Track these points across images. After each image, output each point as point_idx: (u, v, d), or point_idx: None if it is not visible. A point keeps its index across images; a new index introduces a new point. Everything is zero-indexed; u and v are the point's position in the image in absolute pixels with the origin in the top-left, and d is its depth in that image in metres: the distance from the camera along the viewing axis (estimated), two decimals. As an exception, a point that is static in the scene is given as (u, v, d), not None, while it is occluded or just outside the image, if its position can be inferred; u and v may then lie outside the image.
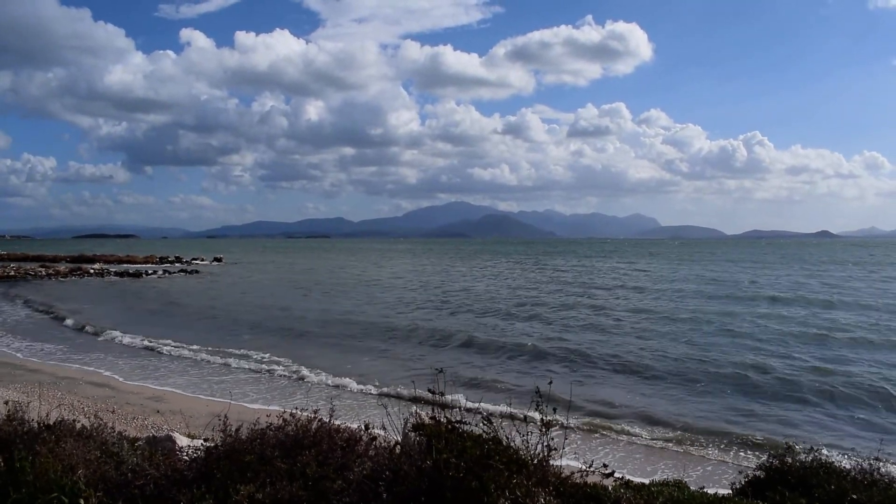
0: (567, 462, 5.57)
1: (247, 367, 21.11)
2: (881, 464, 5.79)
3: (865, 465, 5.76)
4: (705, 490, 5.62)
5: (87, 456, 5.15)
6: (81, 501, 4.49)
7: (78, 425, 6.03)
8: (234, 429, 5.35)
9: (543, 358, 22.51)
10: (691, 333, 27.23)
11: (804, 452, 6.07)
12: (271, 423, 5.42)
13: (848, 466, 5.88)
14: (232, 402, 12.80)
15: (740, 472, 6.65)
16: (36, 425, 5.60)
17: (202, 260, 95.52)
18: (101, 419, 6.51)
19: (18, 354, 23.14)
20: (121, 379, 19.15)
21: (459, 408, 5.01)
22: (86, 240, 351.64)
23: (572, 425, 12.80)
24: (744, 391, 17.76)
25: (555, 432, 4.89)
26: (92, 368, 20.62)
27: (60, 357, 22.79)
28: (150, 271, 71.15)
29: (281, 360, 21.83)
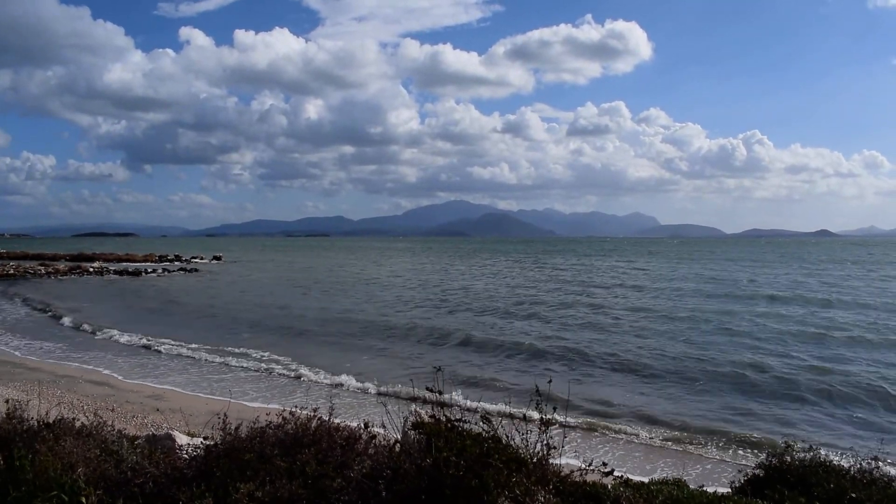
0: (567, 460, 5.58)
1: (246, 365, 21.12)
2: (880, 463, 5.80)
3: (864, 464, 5.77)
4: (705, 488, 5.62)
5: (86, 454, 5.15)
6: (82, 499, 4.49)
7: (77, 423, 6.03)
8: (233, 427, 5.35)
9: (542, 357, 22.53)
10: (690, 332, 27.25)
11: (803, 451, 6.07)
12: (271, 422, 5.42)
13: (847, 465, 5.89)
14: (231, 400, 12.81)
15: (739, 471, 6.66)
16: (35, 423, 5.60)
17: (201, 258, 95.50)
18: (101, 417, 6.50)
19: (17, 353, 23.13)
20: (120, 377, 19.15)
21: (459, 406, 5.01)
22: (85, 238, 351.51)
23: (571, 424, 12.80)
24: (742, 390, 17.78)
25: (554, 431, 4.90)
26: (91, 367, 20.61)
27: (59, 355, 22.78)
28: (149, 270, 71.13)
29: (280, 358, 21.84)
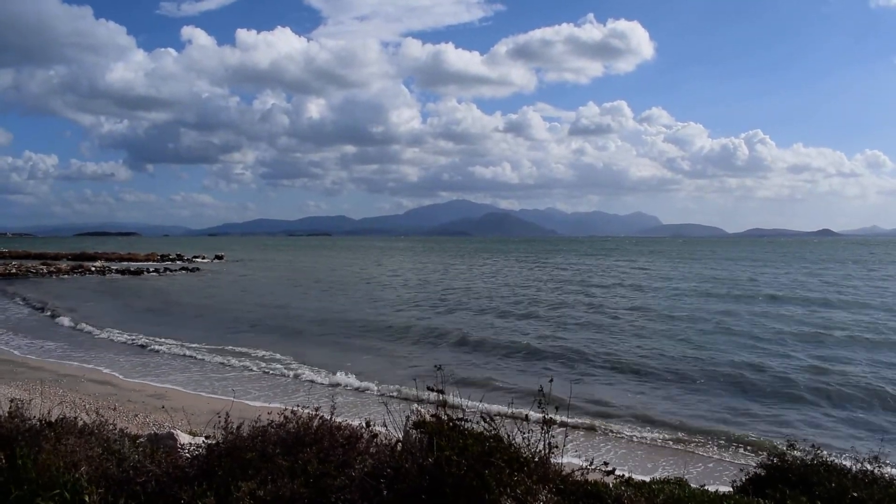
0: (568, 460, 5.59)
1: (248, 364, 21.13)
2: (881, 463, 5.80)
3: (866, 463, 5.76)
4: (706, 487, 5.62)
5: (88, 453, 5.16)
6: (84, 498, 4.50)
7: (80, 422, 6.04)
8: (235, 426, 5.36)
9: (541, 356, 22.52)
10: (689, 332, 27.23)
11: (805, 451, 6.07)
12: (272, 421, 5.43)
13: (848, 465, 5.88)
14: (233, 399, 12.81)
15: (741, 470, 6.66)
16: (38, 422, 5.60)
17: (203, 258, 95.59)
18: (103, 416, 6.52)
19: (16, 352, 23.17)
20: (122, 376, 19.17)
21: (461, 406, 5.02)
22: (87, 238, 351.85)
23: (572, 423, 12.81)
24: (742, 390, 17.78)
25: (555, 430, 4.90)
26: (92, 366, 20.64)
27: (60, 354, 22.81)
28: (151, 269, 71.18)
29: (282, 357, 21.87)
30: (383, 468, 4.52)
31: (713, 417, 15.22)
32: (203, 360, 21.92)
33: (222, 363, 21.37)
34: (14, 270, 63.60)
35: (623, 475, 5.38)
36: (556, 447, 4.80)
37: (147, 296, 45.19)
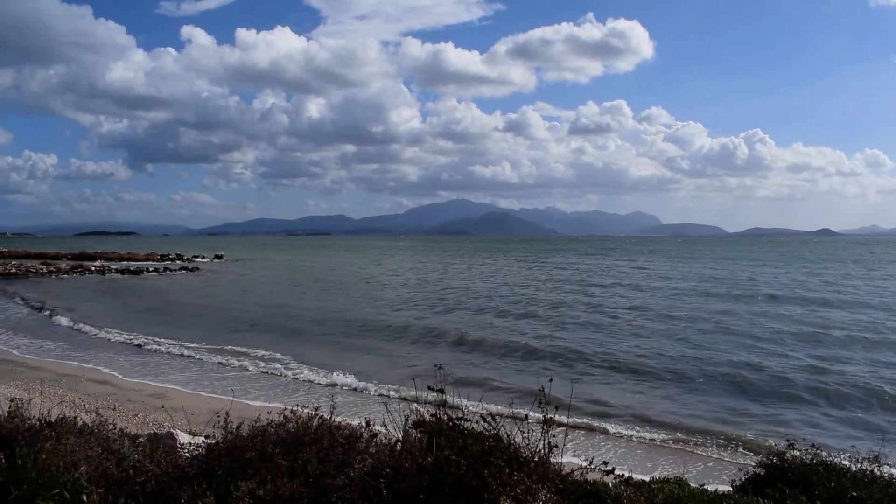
0: (568, 459, 5.59)
1: (247, 364, 21.12)
2: (880, 462, 5.80)
3: (865, 463, 5.76)
4: (705, 487, 5.62)
5: (88, 453, 5.16)
6: (83, 498, 4.50)
7: (79, 422, 6.04)
8: (235, 426, 5.36)
9: (540, 356, 22.51)
10: (688, 331, 27.22)
11: (804, 450, 6.07)
12: (272, 420, 5.43)
13: (847, 464, 5.88)
14: (233, 399, 12.81)
15: (740, 470, 6.66)
16: (37, 422, 5.60)
17: (203, 257, 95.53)
18: (103, 416, 6.52)
19: (15, 352, 23.15)
20: (121, 376, 19.17)
21: (460, 406, 5.02)
22: (87, 237, 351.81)
23: (572, 423, 12.81)
24: (741, 389, 17.78)
25: (556, 430, 4.90)
26: (92, 366, 20.63)
27: (60, 354, 22.81)
28: (150, 269, 71.16)
29: (281, 357, 21.87)
30: (383, 468, 4.52)
31: (712, 417, 15.22)
32: (202, 359, 21.91)
33: (222, 363, 21.36)
34: (14, 270, 63.58)
35: (622, 474, 5.38)
36: (556, 447, 4.80)
37: (147, 295, 45.18)
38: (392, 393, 16.85)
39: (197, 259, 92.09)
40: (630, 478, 5.57)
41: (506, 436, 4.63)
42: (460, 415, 4.74)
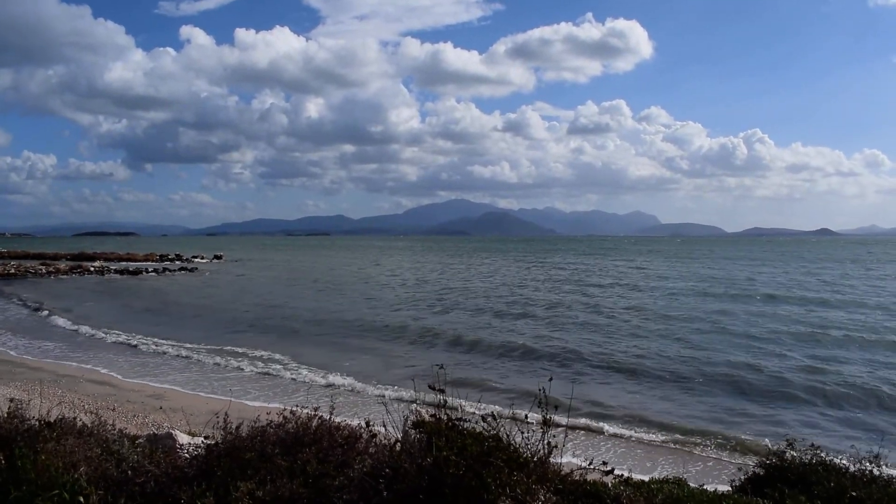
0: (567, 459, 5.60)
1: (246, 364, 21.12)
2: (879, 462, 5.81)
3: (864, 462, 5.77)
4: (705, 487, 5.63)
5: (88, 453, 5.16)
6: (82, 499, 4.50)
7: (78, 423, 6.03)
8: (234, 426, 5.35)
9: (538, 356, 22.53)
10: (686, 332, 27.24)
11: (803, 450, 6.08)
12: (271, 421, 5.42)
13: (846, 464, 5.89)
14: (232, 399, 12.82)
15: (739, 469, 6.66)
16: (37, 423, 5.60)
17: (202, 258, 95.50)
18: (102, 417, 6.51)
19: (14, 352, 23.12)
20: (120, 377, 19.15)
21: (459, 406, 5.02)
22: (86, 237, 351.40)
23: (571, 424, 12.82)
24: (739, 389, 17.80)
25: (555, 430, 4.90)
26: (91, 366, 20.62)
27: (59, 355, 22.79)
28: (150, 269, 71.15)
29: (281, 357, 21.87)
30: (382, 468, 4.52)
31: (710, 417, 15.23)
32: (202, 360, 21.90)
33: (221, 363, 21.35)
34: (13, 271, 63.53)
35: (622, 475, 5.38)
36: (556, 447, 4.80)
37: (146, 296, 45.17)
38: (391, 393, 16.86)
39: (196, 259, 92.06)
40: (629, 478, 5.58)
41: (505, 436, 4.63)
42: (459, 415, 4.74)
